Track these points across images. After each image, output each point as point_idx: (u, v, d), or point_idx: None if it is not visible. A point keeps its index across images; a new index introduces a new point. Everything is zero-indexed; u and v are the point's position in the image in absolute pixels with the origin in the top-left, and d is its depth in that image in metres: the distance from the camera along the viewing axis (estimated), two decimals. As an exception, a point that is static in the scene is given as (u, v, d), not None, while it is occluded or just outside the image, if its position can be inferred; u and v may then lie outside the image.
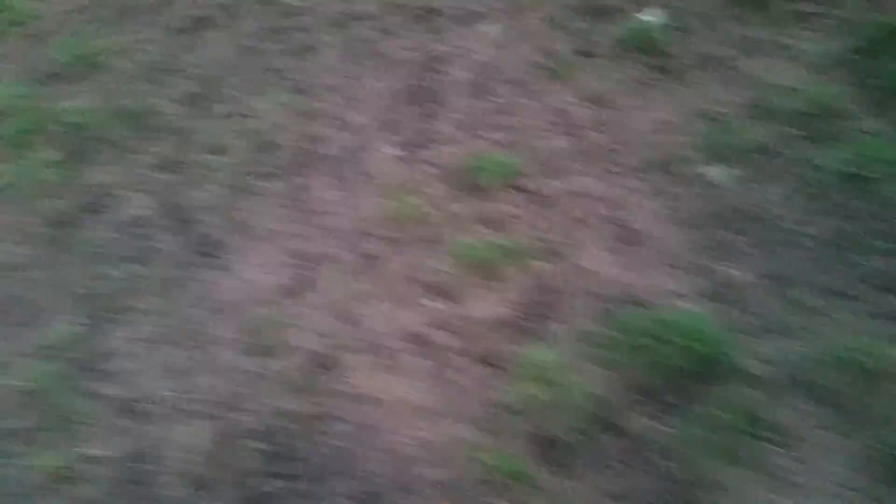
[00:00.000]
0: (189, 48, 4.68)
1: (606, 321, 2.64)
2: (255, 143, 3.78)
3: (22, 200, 3.73)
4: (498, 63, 3.88)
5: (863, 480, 2.31)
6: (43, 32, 5.28)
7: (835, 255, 2.83)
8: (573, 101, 3.54)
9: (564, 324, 2.74)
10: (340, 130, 3.74)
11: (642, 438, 2.48)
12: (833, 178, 3.02)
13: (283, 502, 2.52)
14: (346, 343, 2.80)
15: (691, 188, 3.07)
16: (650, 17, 3.86)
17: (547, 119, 3.50)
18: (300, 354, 2.79)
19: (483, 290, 2.89)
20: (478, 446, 2.54)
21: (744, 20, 3.64)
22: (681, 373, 2.49)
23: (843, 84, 3.35)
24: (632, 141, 3.29)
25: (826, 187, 3.01)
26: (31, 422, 2.80)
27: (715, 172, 3.07)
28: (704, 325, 2.47)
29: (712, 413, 2.44)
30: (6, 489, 2.63)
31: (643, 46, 3.69)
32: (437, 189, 3.30)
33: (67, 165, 3.92)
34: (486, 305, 2.83)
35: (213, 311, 3.01)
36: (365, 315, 2.89)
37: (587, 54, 3.79)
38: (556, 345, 2.67)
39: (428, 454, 2.57)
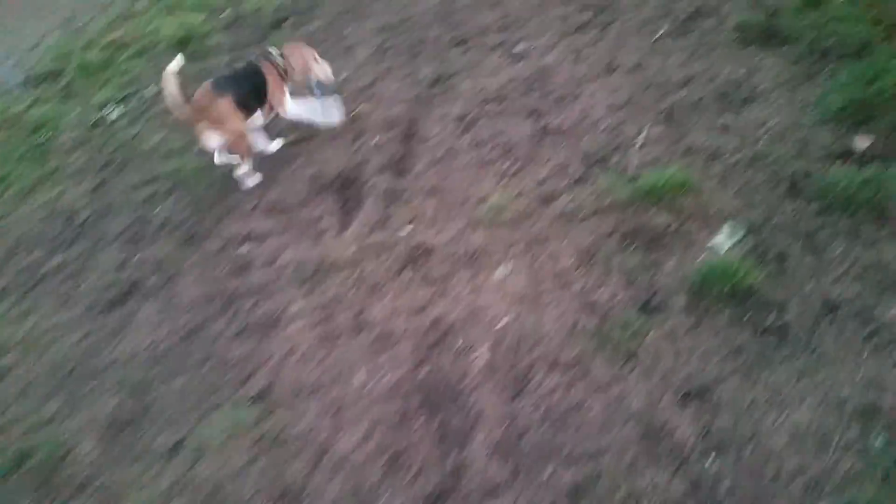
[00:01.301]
0: (115, 334, 3.49)
1: None
2: (209, 508, 2.52)
3: None
4: (532, 332, 2.74)
5: None
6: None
7: None
8: (663, 399, 2.35)
9: None
10: (331, 475, 2.51)
11: None
12: None
13: None
14: None
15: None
16: (725, 241, 2.75)
17: (636, 433, 2.29)
18: None
19: None
20: None
21: (857, 235, 2.55)
22: None
23: None
24: (776, 480, 2.07)
25: None
26: None
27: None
28: None
29: None
30: None
31: (732, 292, 2.56)
32: None
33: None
34: None
35: None
36: None
37: (656, 310, 2.65)
38: None
39: None
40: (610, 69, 3.96)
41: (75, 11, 9.55)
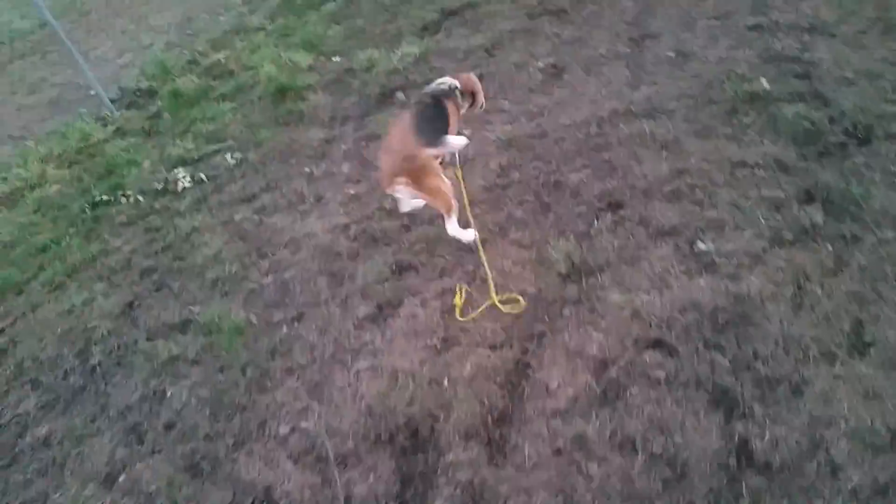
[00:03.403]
0: None
1: None
2: None
3: None
4: None
5: None
6: None
7: None
8: None
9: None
10: None
11: None
12: None
13: None
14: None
15: None
16: None
17: None
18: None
19: None
20: None
21: None
22: None
23: None
24: None
25: None
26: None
27: None
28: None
29: None
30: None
31: None
32: None
33: None
34: None
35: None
36: None
37: None
38: None
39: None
40: (861, 344, 2.20)
41: (192, 12, 8.37)
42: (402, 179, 2.85)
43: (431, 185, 2.88)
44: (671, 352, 2.40)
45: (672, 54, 3.97)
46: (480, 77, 3.92)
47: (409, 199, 3.17)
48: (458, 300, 2.82)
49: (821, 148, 2.95)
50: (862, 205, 2.65)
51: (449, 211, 2.99)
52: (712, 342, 2.39)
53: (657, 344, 2.45)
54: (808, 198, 2.77)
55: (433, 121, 2.92)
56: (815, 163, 2.91)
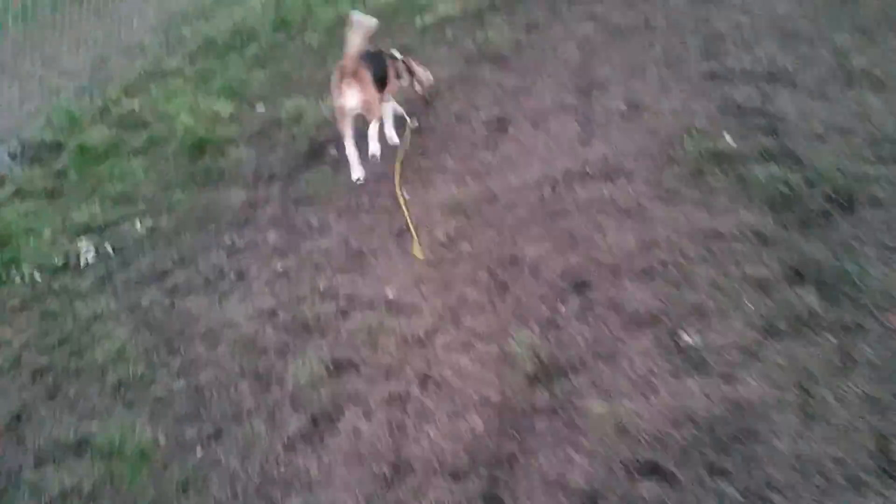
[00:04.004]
0: None
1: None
2: None
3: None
4: None
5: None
6: None
7: None
8: None
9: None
10: None
11: None
12: None
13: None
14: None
15: None
16: None
17: None
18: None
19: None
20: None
21: None
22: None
23: None
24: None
25: None
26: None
27: None
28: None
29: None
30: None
31: None
32: None
33: None
34: None
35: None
36: None
37: None
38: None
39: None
40: (891, 466, 1.80)
41: (107, 53, 7.60)
42: (351, 81, 3.42)
43: (371, 92, 3.49)
44: (670, 480, 1.96)
45: (623, 106, 3.61)
46: (419, 130, 3.65)
47: (352, 107, 3.57)
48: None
49: (802, 216, 2.59)
50: (859, 285, 2.28)
51: (374, 118, 3.64)
52: (717, 467, 1.95)
53: (653, 469, 2.00)
54: (798, 277, 2.39)
55: (375, 68, 3.52)
56: (797, 234, 2.54)
